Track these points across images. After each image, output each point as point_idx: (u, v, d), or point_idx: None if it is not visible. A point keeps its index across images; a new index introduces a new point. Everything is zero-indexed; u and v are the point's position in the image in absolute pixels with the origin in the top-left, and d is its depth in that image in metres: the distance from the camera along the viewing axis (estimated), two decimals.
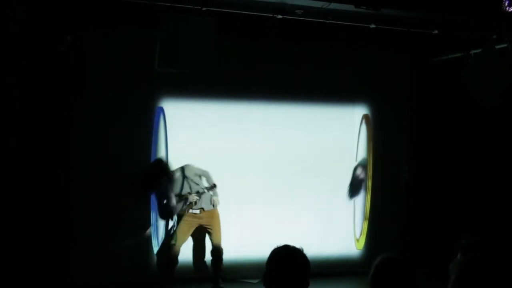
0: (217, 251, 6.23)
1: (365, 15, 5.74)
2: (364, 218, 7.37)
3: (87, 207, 6.24)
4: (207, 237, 6.40)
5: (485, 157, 7.42)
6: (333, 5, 5.48)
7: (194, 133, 6.56)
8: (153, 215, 6.54)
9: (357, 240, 7.36)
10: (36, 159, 5.98)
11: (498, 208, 7.27)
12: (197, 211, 6.19)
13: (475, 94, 6.22)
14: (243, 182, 6.64)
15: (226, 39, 6.25)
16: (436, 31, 6.14)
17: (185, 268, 6.36)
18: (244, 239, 6.63)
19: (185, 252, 6.35)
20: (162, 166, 6.25)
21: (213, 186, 6.24)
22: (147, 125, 6.53)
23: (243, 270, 6.64)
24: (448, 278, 2.38)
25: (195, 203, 6.16)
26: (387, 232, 7.29)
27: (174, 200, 6.19)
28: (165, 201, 6.29)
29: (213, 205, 6.25)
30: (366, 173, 7.38)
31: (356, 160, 7.36)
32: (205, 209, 6.20)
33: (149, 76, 6.24)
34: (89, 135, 6.31)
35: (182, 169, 6.27)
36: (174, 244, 6.14)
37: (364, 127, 7.40)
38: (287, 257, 2.37)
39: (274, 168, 6.88)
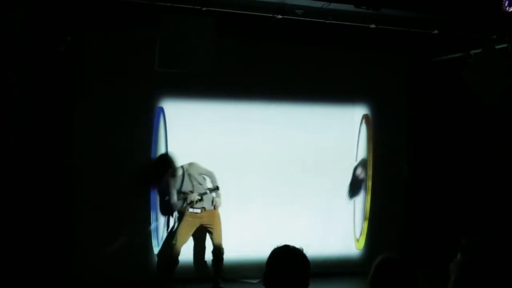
0: (217, 251, 6.23)
1: (365, 15, 5.74)
2: (364, 218, 7.37)
3: (87, 207, 6.24)
4: (207, 237, 6.40)
5: (485, 157, 7.42)
6: (333, 5, 5.48)
7: (194, 133, 6.56)
8: (153, 215, 6.54)
9: (357, 240, 7.36)
10: (36, 159, 5.98)
11: (498, 208, 7.27)
12: (198, 210, 6.18)
13: (475, 94, 6.22)
14: (243, 182, 6.64)
15: (226, 39, 6.25)
16: (436, 31, 6.14)
17: (185, 268, 6.35)
18: (244, 239, 6.63)
19: (186, 252, 6.35)
20: (167, 161, 6.23)
21: (215, 188, 6.24)
22: (147, 125, 6.53)
23: (243, 270, 6.64)
24: (448, 278, 2.38)
25: (196, 202, 6.15)
26: (387, 232, 7.29)
27: (175, 197, 6.19)
28: (166, 198, 6.29)
29: (214, 207, 6.24)
30: (366, 173, 7.38)
31: (356, 160, 7.36)
32: (206, 208, 6.20)
33: (149, 76, 6.24)
34: (89, 135, 6.31)
35: (187, 166, 6.27)
36: (175, 244, 6.14)
37: (364, 127, 7.40)
38: (287, 257, 2.38)
39: (274, 168, 6.88)
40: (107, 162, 6.29)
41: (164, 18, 5.43)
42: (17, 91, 5.83)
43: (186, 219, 6.20)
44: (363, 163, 7.37)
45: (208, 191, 6.21)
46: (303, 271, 2.36)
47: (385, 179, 7.39)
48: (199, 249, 6.56)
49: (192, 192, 6.17)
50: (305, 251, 2.40)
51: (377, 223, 7.33)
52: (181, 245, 6.18)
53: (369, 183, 7.40)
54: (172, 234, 6.32)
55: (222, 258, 6.24)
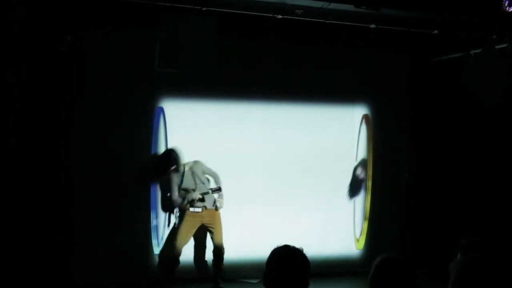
0: (218, 251, 6.22)
1: (365, 15, 5.74)
2: (364, 218, 7.37)
3: (87, 207, 6.24)
4: (208, 237, 6.40)
5: (485, 157, 7.42)
6: (333, 5, 5.48)
7: (194, 133, 6.56)
8: (153, 215, 6.54)
9: (357, 240, 7.36)
10: (36, 159, 5.98)
11: (498, 208, 7.27)
12: (199, 210, 6.18)
13: (475, 94, 6.22)
14: (243, 182, 6.64)
15: (226, 39, 6.25)
16: (436, 31, 6.14)
17: (186, 268, 6.35)
18: (244, 239, 6.63)
19: (186, 252, 6.34)
20: (172, 156, 6.22)
21: (217, 189, 6.24)
22: (147, 125, 6.53)
23: (243, 270, 6.64)
24: (448, 278, 2.38)
25: (197, 201, 6.14)
26: (387, 232, 7.29)
27: (176, 193, 6.18)
28: (168, 194, 6.28)
29: (216, 207, 6.24)
30: (366, 173, 7.38)
31: (356, 160, 7.36)
32: (208, 207, 6.20)
33: (149, 76, 6.24)
34: (89, 135, 6.31)
35: (192, 164, 6.26)
36: (176, 244, 6.12)
37: (364, 127, 7.40)
38: (287, 257, 2.38)
39: (274, 168, 6.88)
40: (107, 162, 6.29)
41: (164, 18, 5.43)
42: (17, 91, 5.83)
43: (187, 218, 6.20)
44: (363, 163, 7.37)
45: (210, 191, 6.20)
46: (303, 271, 2.36)
47: (385, 179, 7.39)
48: (199, 249, 6.56)
49: (194, 190, 6.16)
50: (305, 251, 2.40)
51: (377, 223, 7.33)
52: (183, 245, 6.18)
53: (369, 183, 7.39)
54: (173, 234, 6.31)
55: (222, 258, 6.24)
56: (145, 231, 6.50)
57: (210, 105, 6.70)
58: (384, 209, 7.33)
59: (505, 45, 6.24)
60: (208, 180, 6.33)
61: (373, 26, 6.01)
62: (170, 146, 6.49)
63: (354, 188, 7.30)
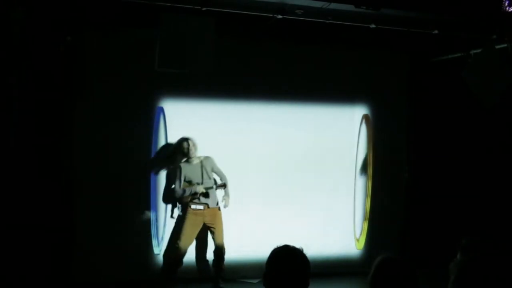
0: (219, 251, 6.22)
1: (365, 15, 5.74)
2: (364, 218, 7.37)
3: (87, 207, 6.24)
4: (209, 237, 6.40)
5: (485, 157, 7.42)
6: (333, 5, 5.48)
7: (194, 133, 6.54)
8: (153, 215, 6.54)
9: (357, 240, 7.36)
10: (36, 159, 5.98)
11: (498, 208, 7.27)
12: (201, 207, 6.17)
13: (475, 94, 6.22)
14: (243, 182, 6.64)
15: (226, 39, 6.25)
16: (436, 31, 6.14)
17: (185, 268, 6.34)
18: (244, 239, 6.63)
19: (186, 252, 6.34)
20: (184, 145, 6.20)
21: (222, 185, 6.24)
22: (147, 125, 6.53)
23: (243, 270, 6.64)
24: (448, 278, 2.38)
25: (200, 195, 6.13)
26: (387, 232, 7.29)
27: (181, 184, 6.17)
28: (173, 186, 6.28)
29: (224, 205, 6.25)
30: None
31: (356, 160, 7.36)
32: (210, 206, 6.20)
33: (149, 76, 6.24)
34: (89, 135, 6.31)
35: (203, 158, 6.26)
36: (180, 245, 6.10)
37: (364, 127, 7.40)
38: (287, 257, 2.38)
39: (274, 168, 6.88)
40: (107, 162, 6.29)
41: (164, 18, 5.43)
42: (17, 91, 5.82)
43: (189, 217, 6.18)
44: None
45: (214, 186, 6.20)
46: (303, 271, 2.36)
47: (385, 179, 7.39)
48: (201, 248, 6.55)
49: (198, 184, 6.16)
50: (305, 251, 2.40)
51: (377, 223, 7.33)
52: (187, 246, 6.17)
53: (369, 183, 7.39)
54: (176, 234, 6.29)
55: (223, 258, 6.24)
56: (145, 231, 6.50)
57: (210, 105, 6.70)
58: (384, 209, 7.33)
59: (505, 45, 6.24)
60: (215, 179, 6.32)
61: (373, 26, 6.01)
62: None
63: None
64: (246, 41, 6.84)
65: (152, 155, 6.54)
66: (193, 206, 6.18)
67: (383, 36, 6.58)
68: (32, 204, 5.82)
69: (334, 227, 7.14)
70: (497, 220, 7.09)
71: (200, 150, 6.38)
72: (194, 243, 6.46)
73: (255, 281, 6.45)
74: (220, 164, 6.41)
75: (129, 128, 6.40)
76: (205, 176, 6.20)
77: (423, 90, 7.43)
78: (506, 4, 5.62)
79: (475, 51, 6.47)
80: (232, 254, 6.40)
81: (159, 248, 6.55)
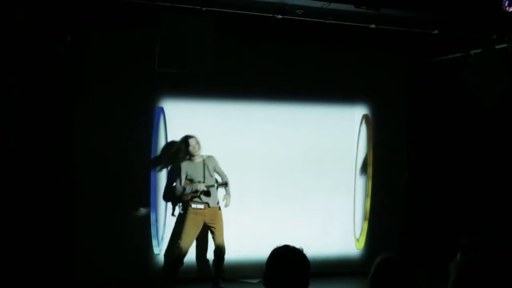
0: (219, 251, 6.21)
1: (365, 15, 5.74)
2: (364, 218, 7.37)
3: (87, 207, 6.24)
4: (209, 236, 6.40)
5: (485, 157, 7.42)
6: (333, 5, 5.48)
7: (194, 133, 6.52)
8: (153, 215, 6.54)
9: (357, 240, 7.36)
10: (36, 159, 5.98)
11: (498, 208, 7.27)
12: (202, 206, 6.16)
13: (475, 94, 6.22)
14: (243, 182, 6.63)
15: (226, 39, 6.25)
16: (436, 31, 6.14)
17: (186, 268, 6.34)
18: (244, 239, 6.63)
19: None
20: (188, 143, 6.21)
21: (223, 184, 6.24)
22: (147, 125, 6.53)
23: (243, 270, 6.64)
24: (448, 278, 2.38)
25: (201, 193, 6.12)
26: (387, 232, 7.29)
27: (182, 181, 6.16)
28: (174, 184, 6.27)
29: (225, 205, 6.25)
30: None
31: (356, 160, 7.36)
32: (210, 205, 6.19)
33: (149, 76, 6.24)
34: (89, 135, 6.31)
35: (205, 157, 6.26)
36: (181, 245, 6.09)
37: (364, 127, 7.40)
38: (287, 257, 2.38)
39: (274, 168, 6.88)
40: (107, 162, 6.29)
41: (164, 18, 5.43)
42: (17, 91, 5.82)
43: (189, 217, 6.17)
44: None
45: (215, 185, 6.20)
46: (303, 271, 2.36)
47: (385, 179, 7.39)
48: (201, 248, 6.56)
49: (200, 182, 6.15)
50: (305, 251, 2.40)
51: (377, 223, 7.33)
52: (188, 246, 6.16)
53: (369, 183, 7.39)
54: (177, 234, 6.28)
55: (223, 258, 6.23)
56: (145, 231, 6.50)
57: (210, 105, 6.71)
58: (384, 209, 7.33)
59: (505, 45, 6.24)
60: (216, 179, 6.32)
61: (373, 26, 6.01)
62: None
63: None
64: (246, 41, 6.84)
65: (152, 155, 6.54)
66: (193, 206, 6.17)
67: (383, 36, 6.58)
68: (32, 204, 5.81)
69: (334, 227, 7.14)
70: (497, 220, 7.09)
71: (200, 150, 6.38)
72: (195, 243, 6.46)
73: (255, 281, 6.46)
74: (220, 164, 6.41)
75: (129, 128, 6.41)
76: (207, 175, 6.19)
77: (423, 90, 7.43)
78: (506, 4, 5.62)
79: (475, 51, 6.47)
80: (232, 254, 6.40)
81: (159, 248, 6.55)
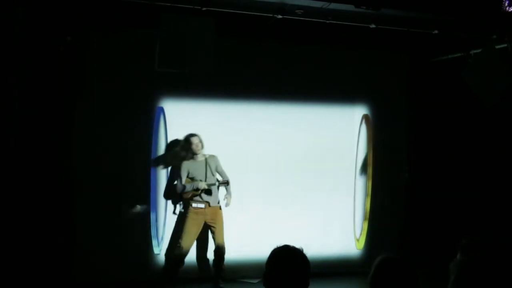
0: (219, 251, 6.20)
1: (365, 15, 5.74)
2: (364, 218, 7.37)
3: (87, 207, 6.24)
4: (209, 236, 6.39)
5: (485, 157, 7.42)
6: (333, 5, 5.48)
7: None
8: (153, 215, 6.54)
9: (357, 240, 7.36)
10: (36, 159, 5.98)
11: (498, 208, 7.27)
12: (202, 205, 6.15)
13: (475, 94, 6.22)
14: (243, 182, 6.63)
15: (226, 39, 6.25)
16: (436, 31, 6.14)
17: (186, 268, 6.34)
18: (244, 239, 6.63)
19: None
20: (190, 141, 6.20)
21: (225, 182, 6.24)
22: (147, 125, 6.53)
23: (243, 270, 6.64)
24: (448, 278, 2.38)
25: (202, 191, 6.12)
26: (387, 232, 7.30)
27: (184, 179, 6.15)
28: (175, 182, 6.27)
29: (225, 204, 6.25)
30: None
31: (356, 160, 7.36)
32: (211, 204, 6.18)
33: (149, 76, 6.24)
34: (89, 135, 6.31)
35: (208, 156, 6.26)
36: (182, 244, 6.09)
37: (364, 127, 7.40)
38: (287, 257, 2.38)
39: (274, 168, 6.88)
40: (107, 162, 6.29)
41: (164, 18, 5.43)
42: (17, 91, 5.82)
43: (190, 216, 6.16)
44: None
45: (217, 183, 6.19)
46: (303, 271, 2.36)
47: (385, 179, 7.39)
48: (202, 248, 6.55)
49: (201, 181, 6.15)
50: (305, 251, 2.40)
51: (377, 223, 7.33)
52: (189, 245, 6.14)
53: (369, 183, 7.39)
54: (178, 234, 6.27)
55: (223, 258, 6.23)
56: (145, 231, 6.50)
57: (210, 105, 6.71)
58: (384, 209, 7.33)
59: (505, 45, 6.24)
60: (217, 179, 6.32)
61: (373, 26, 6.01)
62: (166, 149, 6.53)
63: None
64: (246, 41, 6.84)
65: (152, 155, 6.54)
66: (194, 205, 6.16)
67: (383, 36, 6.58)
68: (32, 204, 5.81)
69: (334, 227, 7.14)
70: (497, 220, 7.09)
71: (203, 148, 6.37)
72: (195, 242, 6.46)
73: (255, 281, 6.46)
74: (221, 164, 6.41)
75: (129, 128, 6.41)
76: (208, 174, 6.19)
77: (423, 90, 7.43)
78: (506, 4, 5.62)
79: (475, 51, 6.47)
80: (232, 254, 6.39)
81: (159, 248, 6.55)
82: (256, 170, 6.79)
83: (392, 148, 7.45)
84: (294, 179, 6.95)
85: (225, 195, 6.31)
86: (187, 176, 6.19)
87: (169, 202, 6.57)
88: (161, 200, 6.57)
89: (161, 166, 6.56)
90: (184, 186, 6.16)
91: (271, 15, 5.74)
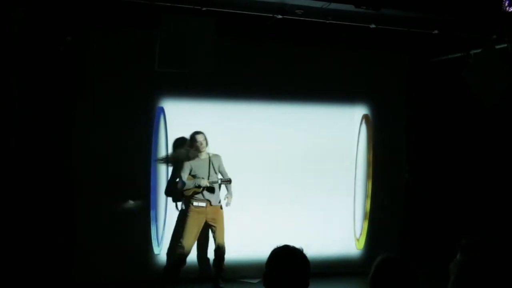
0: (220, 250, 6.19)
1: (365, 15, 5.74)
2: (364, 218, 7.37)
3: (87, 207, 6.24)
4: (210, 236, 6.39)
5: (485, 157, 7.42)
6: (333, 5, 5.48)
7: None
8: (153, 214, 6.54)
9: (357, 240, 7.36)
10: (36, 159, 5.98)
11: (498, 208, 7.27)
12: (203, 204, 6.14)
13: (475, 94, 6.22)
14: (243, 182, 6.62)
15: (226, 39, 6.25)
16: (436, 31, 6.14)
17: (185, 268, 6.33)
18: (244, 239, 6.63)
19: None
20: (195, 139, 6.18)
21: (227, 181, 6.24)
22: (147, 125, 6.53)
23: (243, 270, 6.64)
24: (448, 278, 2.38)
25: (204, 189, 6.12)
26: (387, 232, 7.30)
27: (186, 176, 6.14)
28: (177, 180, 6.26)
29: (226, 204, 6.25)
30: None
31: (356, 160, 7.36)
32: (212, 203, 6.18)
33: (149, 76, 6.24)
34: (89, 135, 6.31)
35: (211, 154, 6.25)
36: (183, 244, 6.07)
37: (364, 127, 7.40)
38: (287, 257, 2.38)
39: (274, 168, 6.88)
40: (107, 162, 6.29)
41: (164, 18, 5.43)
42: (17, 91, 5.82)
43: (191, 215, 6.14)
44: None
45: (219, 181, 6.19)
46: (303, 271, 2.36)
47: (385, 179, 7.39)
48: (202, 247, 6.55)
49: (204, 179, 6.15)
50: (305, 251, 2.40)
51: (377, 223, 7.33)
52: (191, 245, 6.13)
53: (369, 183, 7.39)
54: (179, 234, 6.26)
55: (223, 258, 6.22)
56: (145, 231, 6.50)
57: (210, 105, 6.71)
58: (384, 209, 7.33)
59: (505, 45, 6.24)
60: (221, 178, 6.32)
61: (373, 26, 6.01)
62: (166, 149, 6.56)
63: None
64: (246, 41, 6.84)
65: (152, 155, 6.54)
66: (195, 203, 6.15)
67: (383, 36, 6.58)
68: (32, 204, 5.82)
69: (334, 227, 7.14)
70: (497, 220, 7.09)
71: (208, 147, 6.36)
72: (196, 242, 6.46)
73: (255, 281, 6.46)
74: None
75: (129, 128, 6.41)
76: (211, 172, 6.18)
77: (423, 90, 7.43)
78: (506, 4, 5.62)
79: (475, 51, 6.47)
80: (232, 254, 6.39)
81: (159, 248, 6.55)
82: (256, 170, 6.79)
83: (392, 148, 7.46)
84: (294, 179, 6.95)
85: (226, 195, 6.30)
86: (189, 174, 6.17)
87: (169, 202, 6.57)
88: (161, 200, 6.57)
89: (164, 164, 6.55)
90: (183, 183, 6.15)
91: (271, 15, 5.74)
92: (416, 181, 7.49)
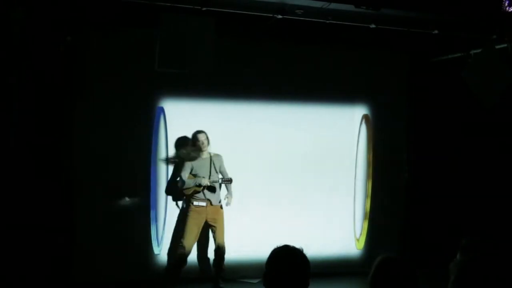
0: (220, 250, 6.18)
1: (365, 15, 5.74)
2: (364, 218, 7.37)
3: (87, 207, 6.24)
4: (210, 235, 6.39)
5: (485, 157, 7.42)
6: (333, 5, 5.48)
7: None
8: (153, 214, 6.54)
9: (357, 240, 7.36)
10: (36, 159, 5.98)
11: (498, 208, 7.27)
12: (203, 204, 6.13)
13: (475, 94, 6.22)
14: (243, 182, 6.62)
15: (226, 39, 6.25)
16: (436, 31, 6.14)
17: (186, 268, 6.33)
18: (244, 239, 6.63)
19: None
20: (197, 138, 6.17)
21: (228, 180, 6.23)
22: (147, 125, 6.53)
23: (243, 270, 6.64)
24: (448, 278, 2.38)
25: (204, 188, 6.12)
26: (387, 232, 7.30)
27: (186, 175, 6.14)
28: (178, 178, 6.26)
29: (226, 204, 6.24)
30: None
31: (356, 160, 7.36)
32: (212, 203, 6.18)
33: (149, 76, 6.24)
34: (89, 135, 6.31)
35: (213, 154, 6.24)
36: (184, 244, 6.06)
37: (364, 127, 7.40)
38: (287, 257, 2.38)
39: (274, 168, 6.88)
40: (107, 162, 6.29)
41: (164, 18, 5.43)
42: (17, 91, 5.83)
43: (191, 215, 6.13)
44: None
45: (220, 180, 6.19)
46: (303, 271, 2.36)
47: (385, 179, 7.39)
48: (202, 247, 6.54)
49: (204, 178, 6.14)
50: (305, 251, 2.40)
51: (377, 223, 7.33)
52: (191, 244, 6.12)
53: (369, 183, 7.39)
54: (179, 234, 6.25)
55: (223, 258, 6.22)
56: (145, 231, 6.50)
57: (210, 105, 6.71)
58: (384, 209, 7.33)
59: (505, 45, 6.24)
60: (222, 178, 6.31)
61: (373, 26, 6.01)
62: (166, 149, 6.55)
63: None
64: (246, 41, 6.84)
65: (152, 155, 6.54)
66: (195, 203, 6.14)
67: (383, 36, 6.58)
68: (32, 204, 5.81)
69: (334, 227, 7.14)
70: (497, 220, 7.09)
71: (209, 146, 6.36)
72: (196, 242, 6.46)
73: (255, 281, 6.46)
74: None
75: (129, 128, 6.41)
76: (212, 172, 6.18)
77: (423, 90, 7.43)
78: (506, 4, 5.62)
79: (475, 51, 6.47)
80: (232, 254, 6.39)
81: (159, 248, 6.55)
82: (256, 170, 6.79)
83: (392, 148, 7.46)
84: (294, 179, 6.95)
85: (226, 195, 6.30)
86: (190, 173, 6.17)
87: (170, 202, 6.57)
88: (161, 200, 6.57)
89: (169, 163, 6.55)
90: (185, 182, 6.14)
91: (271, 15, 5.74)
92: (416, 181, 7.49)
